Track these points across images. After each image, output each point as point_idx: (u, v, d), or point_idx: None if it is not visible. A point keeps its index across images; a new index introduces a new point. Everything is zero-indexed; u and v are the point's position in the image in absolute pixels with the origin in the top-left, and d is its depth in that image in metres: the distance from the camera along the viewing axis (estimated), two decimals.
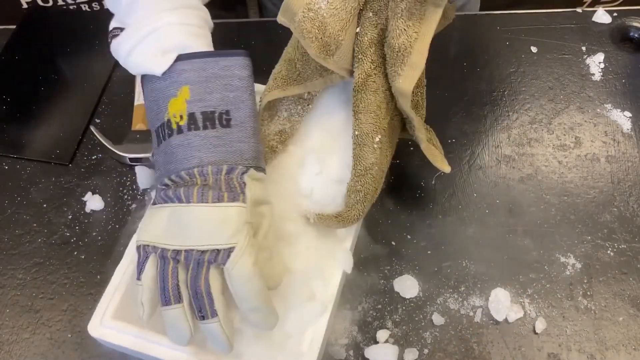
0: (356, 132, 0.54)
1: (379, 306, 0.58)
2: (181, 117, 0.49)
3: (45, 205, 0.64)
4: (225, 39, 0.76)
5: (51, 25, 0.79)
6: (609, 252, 0.61)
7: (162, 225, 0.48)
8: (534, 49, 0.77)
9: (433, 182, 0.66)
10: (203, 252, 0.46)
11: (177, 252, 0.46)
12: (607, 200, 0.65)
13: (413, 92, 0.56)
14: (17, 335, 0.57)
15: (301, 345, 0.51)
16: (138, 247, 0.48)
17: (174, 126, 0.49)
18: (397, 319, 0.57)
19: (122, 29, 0.54)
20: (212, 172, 0.48)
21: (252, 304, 0.46)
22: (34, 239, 0.62)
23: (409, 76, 0.52)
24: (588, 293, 0.58)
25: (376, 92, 0.54)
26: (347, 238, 0.57)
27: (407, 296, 0.58)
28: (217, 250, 0.45)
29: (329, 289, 0.54)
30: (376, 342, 0.56)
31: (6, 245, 0.62)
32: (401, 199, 0.64)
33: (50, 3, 0.99)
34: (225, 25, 0.78)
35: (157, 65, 0.50)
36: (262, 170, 0.52)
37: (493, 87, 0.74)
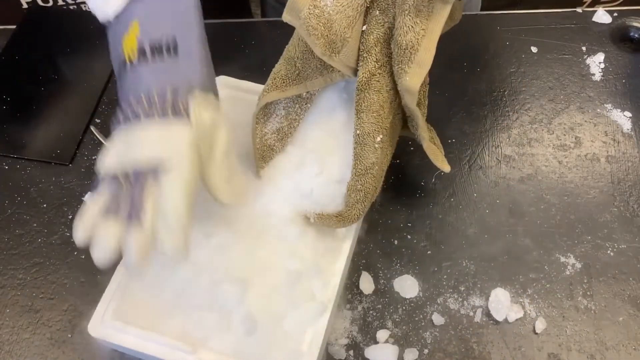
0: (358, 132, 0.54)
1: (379, 306, 0.58)
2: (132, 53, 0.50)
3: (45, 205, 0.64)
4: (225, 39, 0.76)
5: (51, 25, 0.79)
6: (609, 252, 0.61)
7: (112, 148, 0.48)
8: (534, 49, 0.77)
9: (433, 182, 0.66)
10: (143, 168, 0.46)
11: (126, 173, 0.46)
12: (607, 200, 0.65)
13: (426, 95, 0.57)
14: (17, 335, 0.57)
15: (301, 345, 0.51)
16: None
17: (127, 63, 0.50)
18: (397, 319, 0.57)
19: None
20: (157, 95, 0.48)
21: (169, 221, 0.45)
22: (34, 239, 0.62)
23: (416, 74, 0.52)
24: (588, 293, 0.58)
25: (380, 92, 0.54)
26: (347, 238, 0.57)
27: (407, 296, 0.58)
28: (156, 167, 0.45)
29: (328, 289, 0.54)
30: (376, 342, 0.56)
31: (6, 245, 0.62)
32: (401, 199, 0.64)
33: (51, 3, 0.99)
34: (225, 25, 0.78)
35: (113, 5, 0.51)
36: (214, 93, 0.51)
37: (493, 87, 0.74)
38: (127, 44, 0.50)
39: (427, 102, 0.59)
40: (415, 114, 0.55)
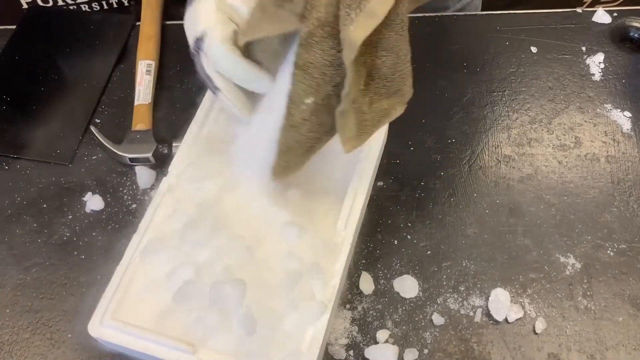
0: (290, 87, 0.49)
1: (379, 306, 0.58)
2: None
3: (45, 205, 0.64)
4: None
5: (51, 25, 0.79)
6: (608, 252, 0.61)
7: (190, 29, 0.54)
8: (533, 49, 0.77)
9: (433, 182, 0.66)
10: (195, 42, 0.53)
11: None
12: (607, 200, 0.65)
13: (396, 67, 0.49)
14: (17, 335, 0.57)
15: (301, 345, 0.51)
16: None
17: None
18: (397, 319, 0.57)
19: None
20: None
21: (236, 75, 0.52)
22: (34, 239, 0.62)
23: (363, 24, 0.45)
24: (588, 293, 0.59)
25: (318, 52, 0.47)
26: (346, 238, 0.57)
27: (407, 296, 0.58)
28: (200, 39, 0.52)
29: (328, 288, 0.54)
30: (376, 342, 0.56)
31: (6, 245, 0.62)
32: (401, 199, 0.64)
33: (51, 3, 0.99)
34: None
35: None
36: None
37: (493, 87, 0.74)
38: None
39: (411, 79, 0.52)
40: (347, 72, 0.46)
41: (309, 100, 0.49)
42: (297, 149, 0.53)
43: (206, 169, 0.61)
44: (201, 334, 0.51)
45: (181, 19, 0.65)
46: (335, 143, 0.58)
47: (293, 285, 0.54)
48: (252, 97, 0.55)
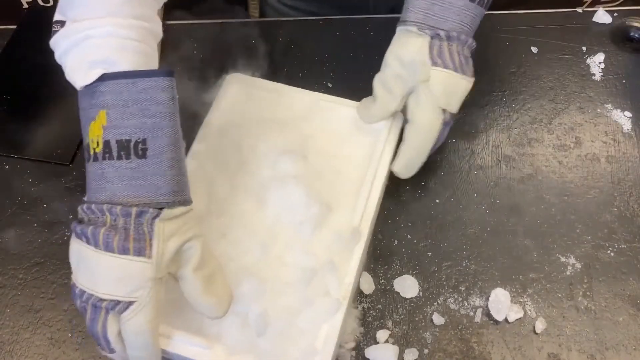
0: None
1: (379, 306, 0.58)
2: (97, 143, 0.46)
3: (45, 205, 0.64)
4: (225, 39, 0.76)
5: (52, 25, 0.79)
6: (609, 252, 0.61)
7: (74, 261, 0.47)
8: (534, 49, 0.77)
9: (433, 182, 0.66)
10: (102, 299, 0.45)
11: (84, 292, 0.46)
12: (607, 200, 0.65)
13: None
14: (17, 335, 0.57)
15: (316, 341, 0.51)
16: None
17: (92, 152, 0.47)
18: (397, 319, 0.57)
19: (62, 23, 0.52)
20: (120, 213, 0.45)
21: (138, 355, 0.47)
22: (34, 238, 0.62)
23: None
24: (588, 293, 0.58)
25: None
26: (361, 235, 0.57)
27: (407, 296, 0.58)
28: (117, 301, 0.45)
29: (343, 286, 0.54)
30: (376, 342, 0.56)
31: (7, 245, 0.62)
32: (401, 199, 0.64)
33: (51, 3, 0.99)
34: (224, 26, 0.78)
35: (80, 78, 0.48)
36: (184, 203, 0.48)
37: (493, 87, 0.74)
38: (92, 129, 0.47)
39: None
40: None
41: None
42: None
43: (220, 165, 0.62)
44: (216, 331, 0.52)
45: (182, 18, 0.65)
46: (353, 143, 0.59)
47: (307, 283, 0.54)
48: None
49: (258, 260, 0.55)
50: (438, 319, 0.57)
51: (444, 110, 0.60)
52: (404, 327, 0.57)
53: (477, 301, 0.58)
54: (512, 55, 0.77)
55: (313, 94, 0.66)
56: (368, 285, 0.59)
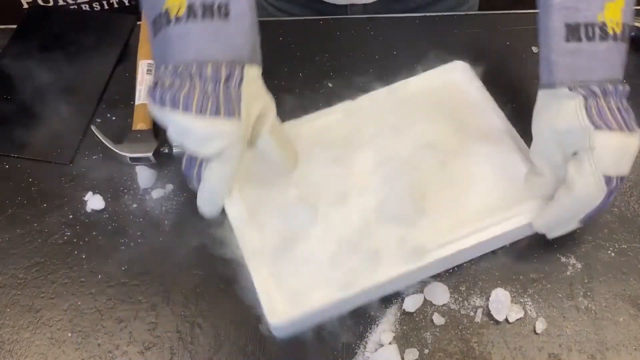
0: None
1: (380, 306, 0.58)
2: (179, 8, 0.49)
3: (45, 205, 0.64)
4: None
5: (52, 25, 0.79)
6: (609, 252, 0.61)
7: (168, 127, 0.52)
8: (534, 49, 0.77)
9: None
10: (198, 152, 0.51)
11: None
12: None
13: None
14: (17, 334, 0.57)
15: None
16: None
17: (172, 17, 0.49)
18: (397, 319, 0.57)
19: None
20: (210, 76, 0.49)
21: (209, 201, 0.55)
22: (34, 238, 0.62)
23: None
24: (588, 293, 0.58)
25: None
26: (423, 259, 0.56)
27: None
28: (209, 155, 0.51)
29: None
30: (377, 343, 0.56)
31: (7, 245, 0.62)
32: None
33: (51, 3, 1.00)
34: None
35: None
36: (260, 64, 0.53)
37: (493, 87, 0.73)
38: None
39: None
40: None
41: None
42: None
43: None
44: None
45: None
46: None
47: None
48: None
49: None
50: (438, 319, 0.57)
51: (610, 177, 0.52)
52: (404, 327, 0.56)
53: (477, 301, 0.58)
54: (512, 55, 0.76)
55: None
56: None
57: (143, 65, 0.71)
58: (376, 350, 0.55)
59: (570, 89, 0.53)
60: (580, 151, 0.53)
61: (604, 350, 0.55)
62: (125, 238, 0.62)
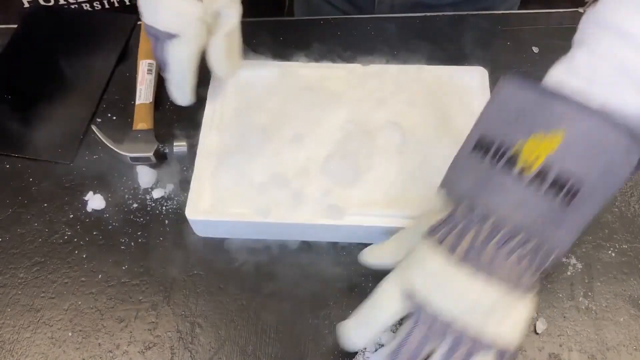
0: None
1: None
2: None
3: (46, 205, 0.64)
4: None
5: (53, 24, 0.79)
6: (610, 252, 0.61)
7: (140, 4, 0.58)
8: (535, 49, 0.77)
9: None
10: (161, 31, 0.57)
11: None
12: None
13: None
14: (18, 334, 0.57)
15: None
16: None
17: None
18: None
19: None
20: None
21: (176, 83, 0.60)
22: (35, 238, 0.62)
23: None
24: (589, 293, 0.58)
25: None
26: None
27: None
28: (172, 34, 0.56)
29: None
30: (377, 343, 0.55)
31: (7, 245, 0.62)
32: None
33: (52, 2, 0.99)
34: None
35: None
36: None
37: (494, 87, 0.73)
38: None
39: None
40: None
41: None
42: None
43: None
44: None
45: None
46: None
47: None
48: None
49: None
50: None
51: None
52: None
53: None
54: (513, 55, 0.76)
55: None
56: (370, 285, 0.58)
57: (144, 65, 0.71)
58: (376, 350, 0.55)
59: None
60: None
61: (604, 350, 0.55)
62: (126, 238, 0.62)
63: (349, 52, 0.74)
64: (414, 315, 0.44)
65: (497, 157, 0.43)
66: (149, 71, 0.71)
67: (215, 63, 0.62)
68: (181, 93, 0.61)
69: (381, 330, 0.47)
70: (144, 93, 0.69)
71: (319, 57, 0.72)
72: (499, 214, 0.42)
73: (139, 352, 0.55)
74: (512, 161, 0.42)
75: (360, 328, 0.47)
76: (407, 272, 0.46)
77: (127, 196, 0.64)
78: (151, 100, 0.69)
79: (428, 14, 0.79)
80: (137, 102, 0.69)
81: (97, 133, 0.66)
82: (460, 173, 0.46)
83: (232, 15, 0.59)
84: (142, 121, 0.68)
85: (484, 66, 0.68)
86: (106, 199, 0.64)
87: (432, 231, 0.45)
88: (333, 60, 0.72)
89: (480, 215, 0.43)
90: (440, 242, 0.44)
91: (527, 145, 0.42)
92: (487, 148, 0.44)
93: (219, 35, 0.59)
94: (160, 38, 0.57)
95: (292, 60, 0.71)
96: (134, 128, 0.67)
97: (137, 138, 0.66)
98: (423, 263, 0.45)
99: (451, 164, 0.47)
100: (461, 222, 0.43)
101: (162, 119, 0.69)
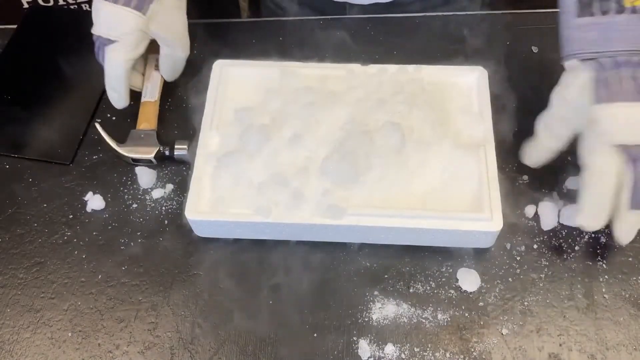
0: None
1: None
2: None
3: (46, 205, 0.64)
4: (223, 39, 0.76)
5: (52, 24, 0.79)
6: (610, 252, 0.61)
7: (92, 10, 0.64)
8: (534, 49, 0.77)
9: None
10: (102, 37, 0.62)
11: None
12: None
13: None
14: (17, 334, 0.57)
15: None
16: None
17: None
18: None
19: None
20: None
21: (110, 85, 0.64)
22: (34, 238, 0.62)
23: None
24: (589, 293, 0.58)
25: None
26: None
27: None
28: (111, 40, 0.62)
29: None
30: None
31: (7, 245, 0.62)
32: None
33: (51, 3, 0.99)
34: (219, 26, 0.78)
35: None
36: None
37: (494, 87, 0.73)
38: None
39: None
40: None
41: None
42: None
43: None
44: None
45: (188, 18, 0.66)
46: None
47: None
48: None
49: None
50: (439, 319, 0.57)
51: (626, 147, 0.52)
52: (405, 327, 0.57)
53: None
54: (512, 55, 0.76)
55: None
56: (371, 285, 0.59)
57: (151, 60, 0.70)
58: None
59: (581, 61, 0.54)
60: (585, 128, 0.54)
61: (604, 350, 0.55)
62: (125, 238, 0.62)
63: (345, 53, 0.74)
64: (636, 160, 0.51)
65: (605, 8, 0.52)
66: (157, 67, 0.70)
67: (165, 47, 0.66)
68: (116, 96, 0.65)
69: (612, 198, 0.52)
70: (150, 90, 0.69)
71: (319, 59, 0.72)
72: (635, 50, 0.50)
73: (138, 352, 0.55)
74: (619, 3, 0.51)
75: (595, 207, 0.53)
76: (606, 135, 0.52)
77: (126, 196, 0.64)
78: (157, 99, 0.69)
79: (428, 14, 0.79)
80: (143, 99, 0.68)
81: (100, 131, 0.65)
82: (578, 35, 0.54)
83: (166, 48, 0.65)
84: (146, 121, 0.67)
85: (484, 66, 0.68)
86: (106, 199, 0.64)
87: (602, 90, 0.52)
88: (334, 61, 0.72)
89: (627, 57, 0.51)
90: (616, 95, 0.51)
91: None
92: (589, 3, 0.53)
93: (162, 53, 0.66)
94: (101, 43, 0.63)
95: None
96: (137, 127, 0.67)
97: (139, 138, 0.66)
98: (615, 118, 0.52)
99: (563, 37, 0.55)
100: (614, 70, 0.52)
101: (164, 120, 0.69)
